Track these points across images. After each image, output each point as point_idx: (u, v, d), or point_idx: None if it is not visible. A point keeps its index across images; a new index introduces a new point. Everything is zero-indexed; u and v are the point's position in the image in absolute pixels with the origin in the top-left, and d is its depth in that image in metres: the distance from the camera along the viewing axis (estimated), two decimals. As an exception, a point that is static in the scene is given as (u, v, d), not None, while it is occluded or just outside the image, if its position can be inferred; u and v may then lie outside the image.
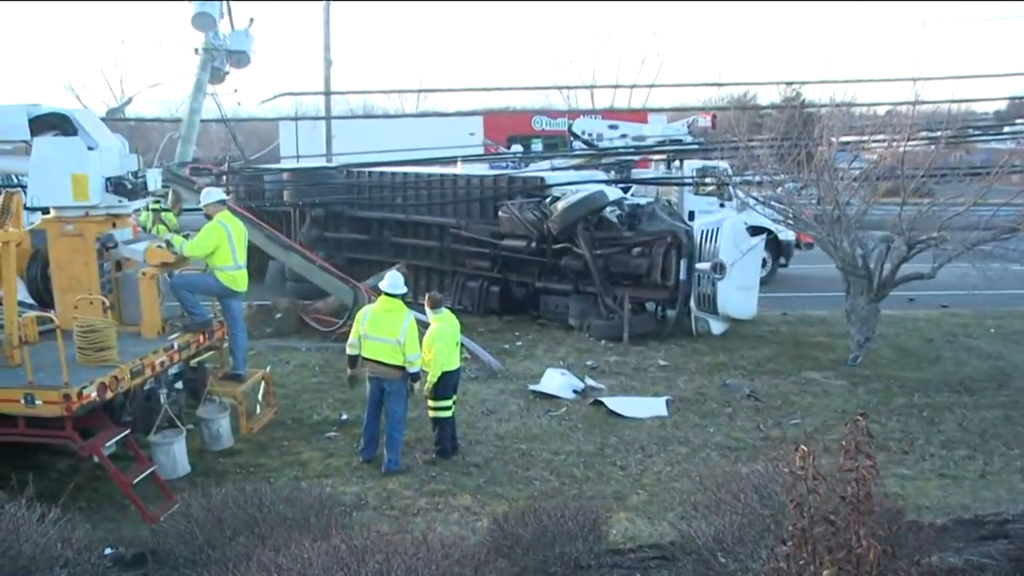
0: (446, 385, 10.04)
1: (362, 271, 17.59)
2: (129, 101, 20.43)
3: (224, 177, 17.79)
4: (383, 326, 9.58)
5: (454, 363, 10.16)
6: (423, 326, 10.11)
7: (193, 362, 10.11)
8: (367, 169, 19.64)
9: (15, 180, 14.85)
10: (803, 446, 4.37)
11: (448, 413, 10.15)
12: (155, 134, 29.89)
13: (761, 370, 13.55)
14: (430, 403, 10.07)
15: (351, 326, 10.08)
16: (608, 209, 15.98)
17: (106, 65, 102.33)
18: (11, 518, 5.05)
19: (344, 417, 11.34)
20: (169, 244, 9.95)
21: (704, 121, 26.67)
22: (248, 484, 7.47)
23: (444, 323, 10.15)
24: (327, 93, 30.41)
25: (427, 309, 10.30)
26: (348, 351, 9.96)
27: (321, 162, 26.50)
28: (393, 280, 9.76)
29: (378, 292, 10.07)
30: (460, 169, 20.80)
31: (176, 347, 9.57)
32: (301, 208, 19.26)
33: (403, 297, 9.79)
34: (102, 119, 11.43)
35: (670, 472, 9.66)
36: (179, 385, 9.75)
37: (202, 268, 10.13)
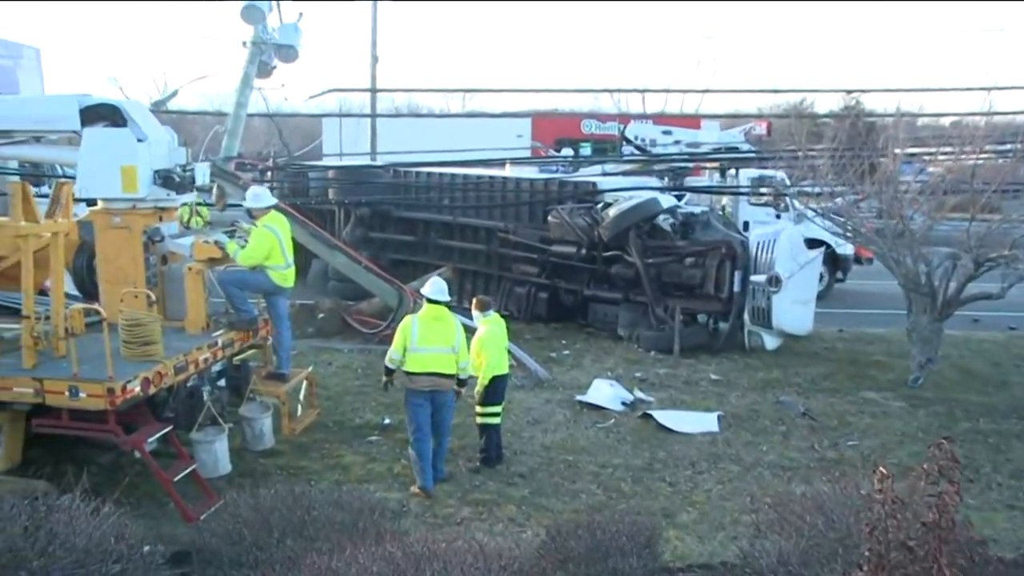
0: (496, 390, 10.00)
1: (407, 273, 17.69)
2: (175, 94, 20.71)
3: (268, 173, 17.92)
4: (436, 336, 9.33)
5: (504, 367, 10.13)
6: (469, 330, 10.07)
7: (236, 360, 10.19)
8: (414, 169, 19.74)
9: (60, 171, 15.09)
10: (881, 468, 4.27)
11: (497, 420, 10.10)
12: (198, 128, 30.33)
13: (816, 388, 13.38)
14: (478, 409, 10.04)
15: (395, 328, 9.95)
16: (661, 217, 15.91)
17: (151, 57, 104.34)
18: (66, 510, 5.10)
19: (387, 421, 11.36)
20: (222, 247, 10.02)
21: (760, 129, 26.46)
22: (293, 486, 7.48)
23: (493, 326, 10.13)
24: (373, 91, 30.65)
25: (475, 312, 10.26)
26: (388, 364, 9.53)
27: (365, 160, 26.69)
28: (437, 286, 9.60)
29: (422, 296, 9.87)
30: (509, 172, 20.80)
31: (220, 344, 9.66)
32: (346, 207, 19.40)
33: (448, 303, 9.67)
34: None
35: (721, 490, 9.54)
36: (222, 382, 9.84)
37: None
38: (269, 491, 6.44)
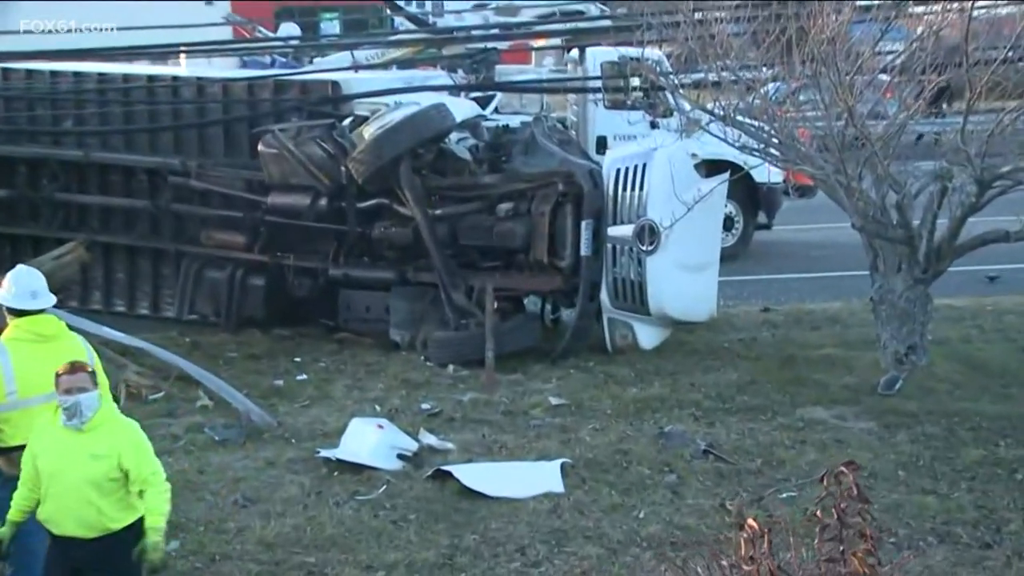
0: None
1: (-1, 256, 17.27)
2: None
3: None
4: (51, 372, 8.10)
5: None
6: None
7: None
8: (10, 64, 19.18)
9: None
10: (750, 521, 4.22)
11: None
12: None
13: (727, 408, 13.57)
14: None
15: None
16: (453, 137, 16.06)
17: None
18: None
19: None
20: None
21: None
22: None
23: None
24: None
25: None
26: None
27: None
28: (24, 281, 8.72)
29: (13, 313, 8.85)
30: (185, 69, 20.40)
31: None
32: None
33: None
34: None
35: (572, 591, 9.58)
36: None
37: None
38: None
